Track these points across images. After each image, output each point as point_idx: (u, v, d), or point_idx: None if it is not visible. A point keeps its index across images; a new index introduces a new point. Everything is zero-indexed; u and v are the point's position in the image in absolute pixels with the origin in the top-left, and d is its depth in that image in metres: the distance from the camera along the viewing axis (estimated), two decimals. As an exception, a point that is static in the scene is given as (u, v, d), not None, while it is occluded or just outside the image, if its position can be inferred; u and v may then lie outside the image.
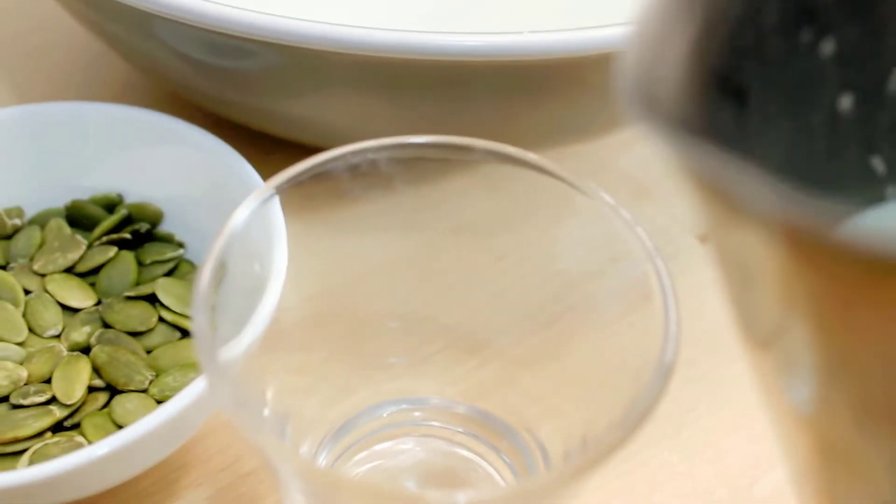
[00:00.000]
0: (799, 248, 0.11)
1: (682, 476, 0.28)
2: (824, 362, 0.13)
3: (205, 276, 0.20)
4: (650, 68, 0.12)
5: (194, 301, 0.19)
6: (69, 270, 0.29)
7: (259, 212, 0.21)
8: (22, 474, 0.22)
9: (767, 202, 0.10)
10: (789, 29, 0.15)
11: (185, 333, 0.27)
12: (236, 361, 0.20)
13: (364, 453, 0.25)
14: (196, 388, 0.23)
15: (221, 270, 0.20)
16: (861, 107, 0.16)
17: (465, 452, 0.25)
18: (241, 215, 0.21)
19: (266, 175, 0.28)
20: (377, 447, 0.25)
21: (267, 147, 0.32)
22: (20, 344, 0.27)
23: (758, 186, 0.11)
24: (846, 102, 0.16)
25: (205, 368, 0.19)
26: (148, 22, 0.28)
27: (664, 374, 0.19)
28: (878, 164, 0.17)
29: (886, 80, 0.16)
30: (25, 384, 0.26)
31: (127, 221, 0.30)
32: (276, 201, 0.22)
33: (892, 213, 0.17)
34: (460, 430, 0.26)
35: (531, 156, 0.23)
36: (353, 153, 0.22)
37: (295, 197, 0.22)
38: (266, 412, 0.22)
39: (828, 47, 0.15)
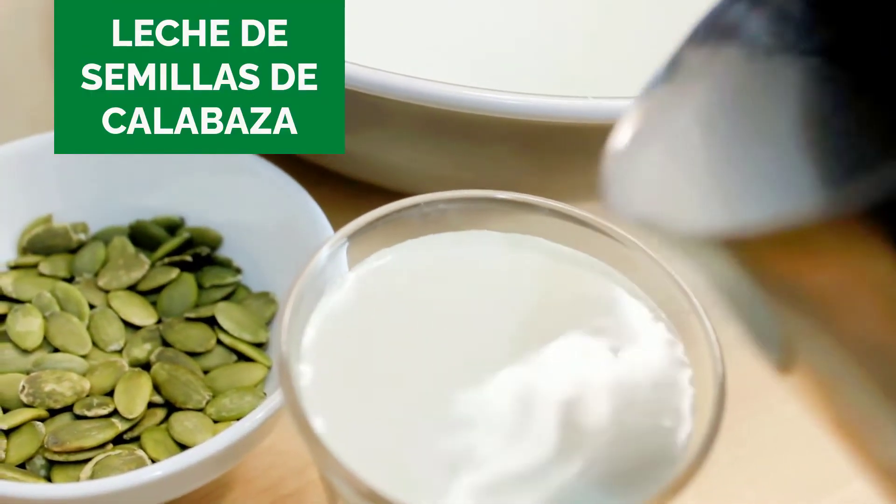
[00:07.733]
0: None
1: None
2: (842, 349, 0.15)
3: (286, 316, 0.21)
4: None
5: (282, 336, 0.21)
6: (132, 288, 0.30)
7: (333, 255, 0.23)
8: (90, 486, 0.24)
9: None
10: None
11: (241, 356, 0.29)
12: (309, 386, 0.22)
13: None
14: (256, 416, 0.25)
15: (298, 307, 0.22)
16: None
17: None
18: (319, 259, 0.22)
19: (321, 200, 0.29)
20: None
21: (319, 175, 0.33)
22: (84, 356, 0.28)
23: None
24: None
25: (284, 390, 0.20)
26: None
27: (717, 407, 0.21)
28: None
29: None
30: (87, 395, 0.27)
31: (188, 244, 0.31)
32: (347, 246, 0.23)
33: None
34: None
35: (588, 215, 0.24)
36: (427, 203, 0.23)
37: (363, 238, 0.24)
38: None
39: None
